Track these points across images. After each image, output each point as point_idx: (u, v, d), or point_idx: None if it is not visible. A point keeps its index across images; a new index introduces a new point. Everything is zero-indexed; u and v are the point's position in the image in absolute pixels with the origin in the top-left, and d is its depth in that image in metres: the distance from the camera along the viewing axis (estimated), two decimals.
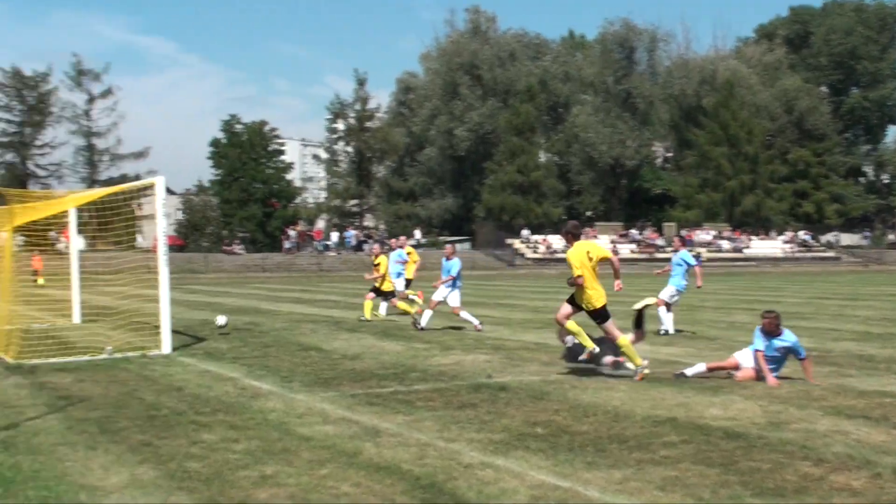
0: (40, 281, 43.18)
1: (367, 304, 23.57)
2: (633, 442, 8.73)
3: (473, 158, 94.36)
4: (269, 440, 8.85)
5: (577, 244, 12.88)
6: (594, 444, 8.66)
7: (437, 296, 20.52)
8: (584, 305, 12.76)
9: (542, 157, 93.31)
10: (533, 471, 7.66)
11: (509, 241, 78.69)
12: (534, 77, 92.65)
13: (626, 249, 76.92)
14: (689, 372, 12.72)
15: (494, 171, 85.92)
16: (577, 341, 13.15)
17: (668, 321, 19.51)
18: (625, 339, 12.71)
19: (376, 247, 27.51)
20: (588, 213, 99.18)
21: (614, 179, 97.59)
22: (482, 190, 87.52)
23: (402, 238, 29.21)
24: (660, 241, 79.55)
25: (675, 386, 12.10)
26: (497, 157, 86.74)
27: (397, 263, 25.20)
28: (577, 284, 12.61)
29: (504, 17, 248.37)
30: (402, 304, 22.76)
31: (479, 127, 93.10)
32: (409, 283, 25.88)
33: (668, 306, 19.68)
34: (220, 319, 20.17)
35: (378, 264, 23.66)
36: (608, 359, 13.39)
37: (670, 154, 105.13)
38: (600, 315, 12.72)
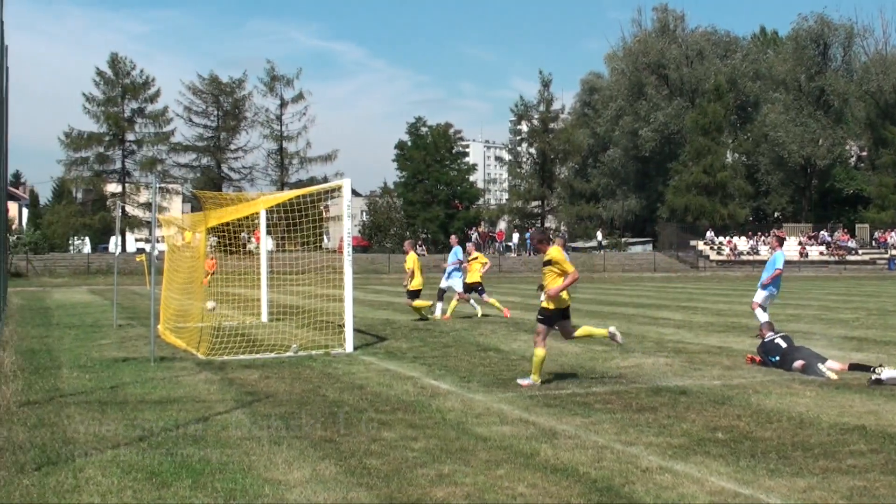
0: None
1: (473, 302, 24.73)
2: (819, 450, 8.42)
3: (658, 159, 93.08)
4: (446, 439, 8.94)
5: (552, 248, 12.73)
6: (777, 450, 8.40)
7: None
8: (565, 304, 12.61)
9: (729, 156, 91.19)
10: (713, 476, 7.51)
11: (693, 242, 77.15)
12: (722, 75, 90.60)
13: (815, 251, 74.15)
14: (884, 376, 12.15)
15: (679, 172, 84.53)
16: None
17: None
18: (543, 350, 12.48)
19: (471, 245, 29.02)
20: (776, 214, 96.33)
21: (804, 179, 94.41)
22: (666, 191, 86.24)
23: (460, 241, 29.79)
24: (851, 244, 76.30)
25: (865, 393, 11.60)
26: (682, 158, 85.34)
27: (453, 265, 25.27)
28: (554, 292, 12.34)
29: (693, 15, 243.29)
30: (417, 303, 23.40)
31: (664, 127, 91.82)
32: (474, 286, 24.95)
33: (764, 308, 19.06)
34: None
35: (476, 258, 24.83)
36: (797, 363, 13.12)
37: (864, 153, 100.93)
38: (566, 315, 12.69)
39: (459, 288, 24.85)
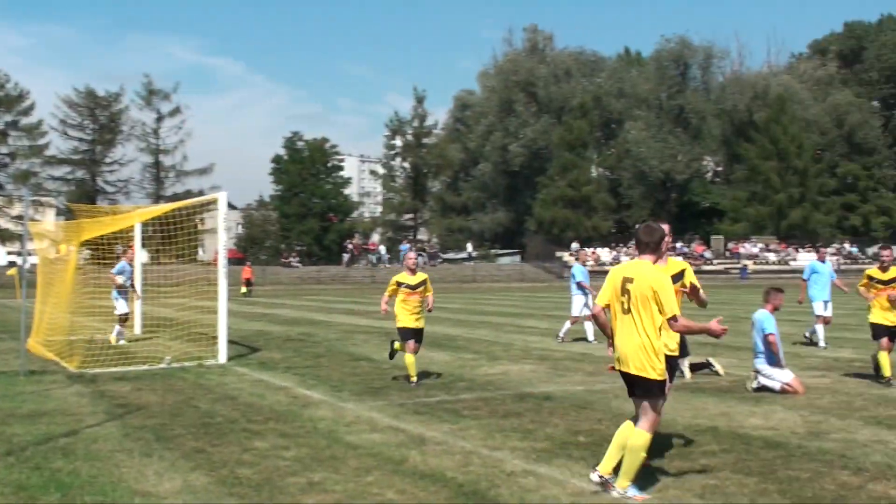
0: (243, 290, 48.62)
1: None
2: (674, 451, 8.85)
3: (526, 173, 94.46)
4: (317, 448, 9.08)
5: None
6: None
7: None
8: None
9: (594, 171, 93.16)
10: (574, 478, 7.81)
11: (559, 253, 78.67)
12: (588, 94, 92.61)
13: None
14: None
15: (546, 186, 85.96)
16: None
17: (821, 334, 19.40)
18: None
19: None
20: (636, 227, 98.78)
21: (664, 193, 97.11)
22: (534, 204, 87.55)
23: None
24: (707, 254, 79.05)
25: (717, 395, 12.21)
26: (549, 172, 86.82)
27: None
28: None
29: (561, 35, 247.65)
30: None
31: (532, 143, 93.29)
32: None
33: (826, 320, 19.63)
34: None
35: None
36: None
37: (720, 168, 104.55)
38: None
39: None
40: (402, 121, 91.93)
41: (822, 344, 19.05)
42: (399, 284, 14.00)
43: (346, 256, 77.76)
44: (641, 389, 7.26)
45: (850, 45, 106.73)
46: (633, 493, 7.15)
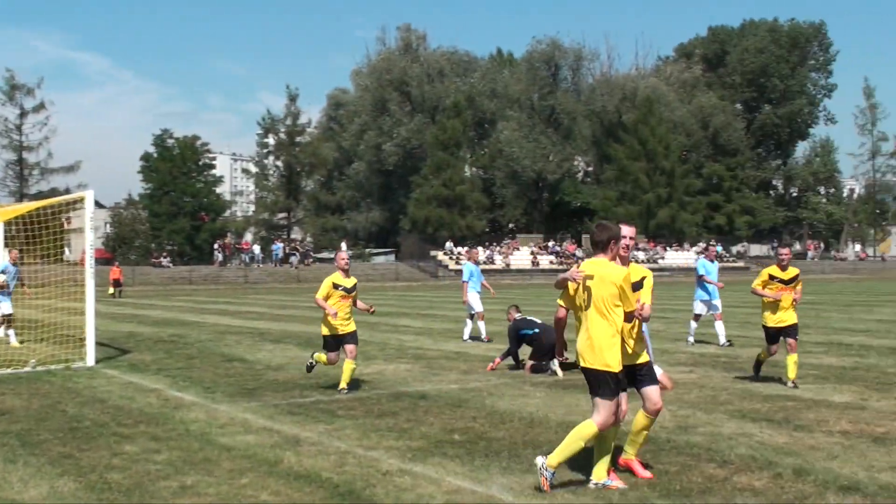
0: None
1: None
2: (547, 447, 8.91)
3: (400, 173, 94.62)
4: (190, 450, 8.92)
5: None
6: (509, 449, 8.90)
7: None
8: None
9: (467, 171, 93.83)
10: (449, 476, 7.85)
11: (433, 253, 79.10)
12: (461, 94, 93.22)
13: (545, 260, 77.91)
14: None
15: (420, 185, 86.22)
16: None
17: None
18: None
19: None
20: (510, 226, 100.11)
21: (536, 193, 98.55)
22: (408, 203, 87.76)
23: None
24: (579, 253, 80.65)
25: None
26: (423, 172, 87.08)
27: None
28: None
29: (435, 35, 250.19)
30: None
31: (406, 142, 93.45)
32: None
33: None
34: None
35: None
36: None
37: (590, 168, 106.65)
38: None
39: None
40: (274, 119, 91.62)
41: (690, 339, 19.49)
42: (335, 286, 12.88)
43: (218, 256, 76.62)
44: (595, 384, 7.39)
45: (714, 49, 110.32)
46: (548, 474, 7.32)
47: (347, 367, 12.68)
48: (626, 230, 7.99)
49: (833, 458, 8.42)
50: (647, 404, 7.83)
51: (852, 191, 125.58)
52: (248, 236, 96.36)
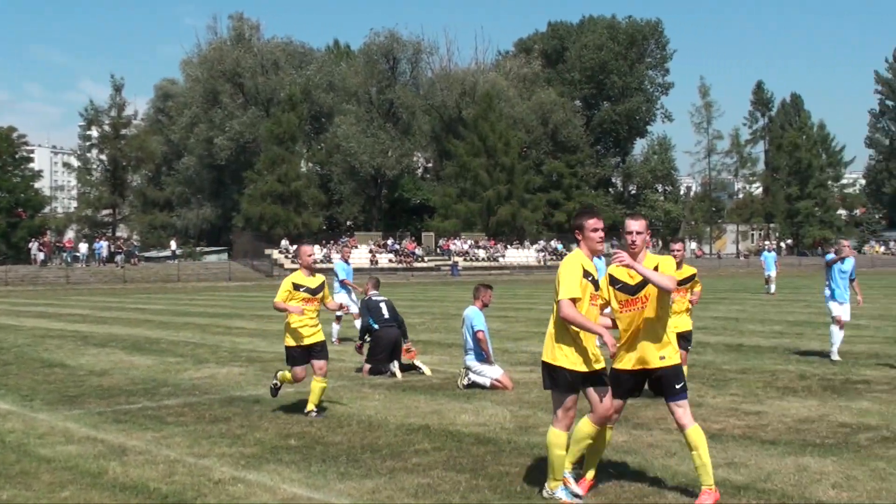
0: None
1: None
2: (387, 451, 8.81)
3: (233, 168, 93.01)
4: (6, 463, 8.46)
5: None
6: (347, 454, 8.71)
7: None
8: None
9: (304, 166, 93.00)
10: (285, 484, 7.62)
11: (268, 251, 77.99)
12: (297, 86, 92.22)
13: (385, 259, 77.78)
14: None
15: (254, 181, 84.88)
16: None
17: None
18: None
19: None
20: (348, 223, 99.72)
21: (375, 189, 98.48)
22: (241, 199, 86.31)
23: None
24: (418, 251, 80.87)
25: (429, 393, 12.35)
26: (257, 167, 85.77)
27: None
28: None
29: (269, 25, 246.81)
30: None
31: (239, 136, 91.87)
32: None
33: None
34: None
35: None
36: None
37: (430, 164, 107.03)
38: None
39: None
40: (98, 110, 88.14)
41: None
42: (296, 287, 11.02)
43: (38, 255, 73.36)
44: (547, 380, 7.13)
45: (553, 44, 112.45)
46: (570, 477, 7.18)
47: (316, 387, 10.81)
48: (633, 224, 7.20)
49: (671, 455, 8.52)
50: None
51: (689, 188, 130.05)
52: (70, 234, 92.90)
